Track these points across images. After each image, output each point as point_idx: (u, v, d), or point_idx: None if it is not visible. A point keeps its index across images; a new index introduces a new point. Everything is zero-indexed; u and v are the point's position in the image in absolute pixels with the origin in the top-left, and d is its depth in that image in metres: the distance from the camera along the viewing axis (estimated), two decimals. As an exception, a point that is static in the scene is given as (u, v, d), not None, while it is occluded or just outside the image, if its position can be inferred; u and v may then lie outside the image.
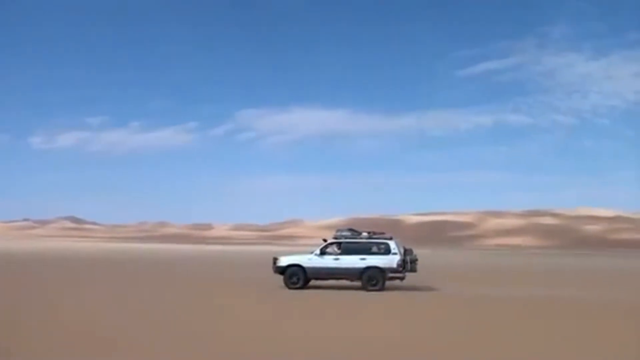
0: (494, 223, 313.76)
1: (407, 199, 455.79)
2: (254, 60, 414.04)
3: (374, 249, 20.92)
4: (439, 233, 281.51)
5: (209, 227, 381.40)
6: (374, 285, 20.33)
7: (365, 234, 21.56)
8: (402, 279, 20.89)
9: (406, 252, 21.10)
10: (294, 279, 20.79)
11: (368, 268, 20.49)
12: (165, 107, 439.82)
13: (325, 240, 21.83)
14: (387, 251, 20.69)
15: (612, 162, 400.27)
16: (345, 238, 21.46)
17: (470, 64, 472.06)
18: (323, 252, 21.09)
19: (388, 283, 20.65)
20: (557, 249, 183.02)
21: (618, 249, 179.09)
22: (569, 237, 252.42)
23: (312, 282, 21.34)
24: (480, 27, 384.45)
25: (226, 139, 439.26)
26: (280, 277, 21.15)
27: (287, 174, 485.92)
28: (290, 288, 20.50)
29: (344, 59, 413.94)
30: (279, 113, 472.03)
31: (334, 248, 21.38)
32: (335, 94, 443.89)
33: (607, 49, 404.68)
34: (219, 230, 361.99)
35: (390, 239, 21.28)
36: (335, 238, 21.62)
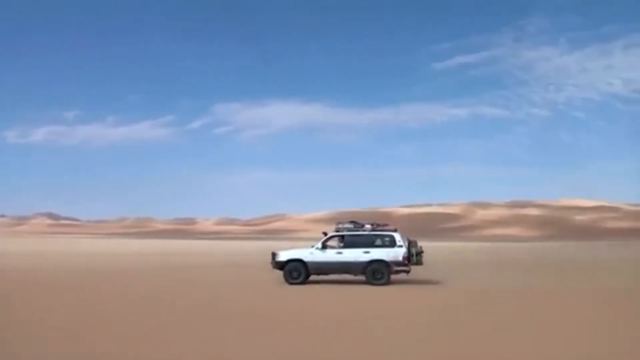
0: (481, 214, 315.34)
1: (390, 191, 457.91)
2: (230, 54, 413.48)
3: (378, 241, 19.89)
4: (429, 225, 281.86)
5: (192, 222, 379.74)
6: (379, 279, 19.29)
7: (368, 226, 20.44)
8: (407, 272, 19.86)
9: (410, 244, 20.06)
10: (295, 274, 19.77)
11: (372, 261, 19.47)
12: (140, 101, 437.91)
13: (326, 234, 20.72)
14: (392, 244, 19.69)
15: (587, 153, 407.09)
16: (348, 231, 20.35)
17: (446, 57, 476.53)
18: (325, 246, 20.08)
19: (393, 277, 19.60)
20: (550, 239, 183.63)
21: (609, 237, 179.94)
22: (559, 226, 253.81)
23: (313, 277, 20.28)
24: (456, 20, 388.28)
25: (203, 133, 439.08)
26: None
27: (266, 168, 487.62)
28: (290, 283, 19.47)
29: (321, 52, 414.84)
30: (255, 107, 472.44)
31: (336, 241, 20.33)
32: (312, 88, 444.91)
33: (582, 42, 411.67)
34: (204, 225, 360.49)
35: (395, 230, 20.32)
36: (337, 231, 20.49)
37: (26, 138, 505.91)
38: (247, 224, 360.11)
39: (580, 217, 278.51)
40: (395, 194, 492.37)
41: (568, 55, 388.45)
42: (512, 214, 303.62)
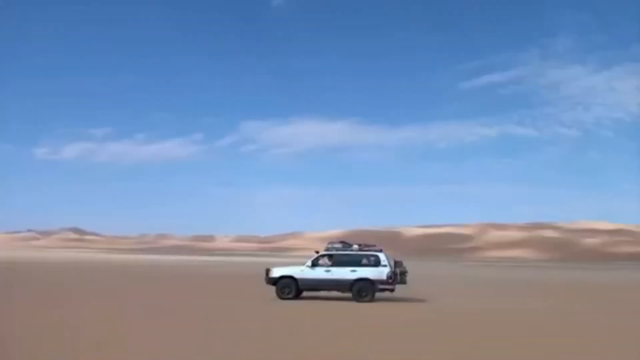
0: (494, 235, 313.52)
1: (409, 211, 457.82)
2: (257, 72, 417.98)
3: (364, 261, 21.30)
4: (439, 245, 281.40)
5: (210, 238, 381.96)
6: (364, 296, 20.72)
7: (355, 246, 22.01)
8: (392, 290, 21.29)
9: (396, 264, 21.56)
10: (286, 290, 21.26)
11: (358, 280, 20.89)
12: (169, 119, 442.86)
13: (317, 252, 22.30)
14: (377, 263, 21.11)
15: (615, 174, 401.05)
16: (337, 250, 21.91)
17: (474, 76, 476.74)
18: (315, 264, 21.52)
19: (378, 294, 21.02)
20: (557, 262, 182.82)
21: (617, 261, 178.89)
22: (569, 250, 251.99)
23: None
24: (483, 39, 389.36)
25: (230, 151, 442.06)
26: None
27: (289, 186, 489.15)
28: (282, 299, 20.94)
29: (347, 70, 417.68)
30: (282, 125, 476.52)
31: (326, 260, 21.77)
32: (338, 106, 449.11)
33: (610, 61, 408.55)
34: (221, 242, 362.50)
35: (380, 251, 21.70)
36: (327, 250, 22.08)
37: (56, 155, 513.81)
38: (262, 241, 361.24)
39: (590, 241, 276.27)
40: (416, 213, 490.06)
41: (597, 75, 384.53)
42: (525, 236, 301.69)
